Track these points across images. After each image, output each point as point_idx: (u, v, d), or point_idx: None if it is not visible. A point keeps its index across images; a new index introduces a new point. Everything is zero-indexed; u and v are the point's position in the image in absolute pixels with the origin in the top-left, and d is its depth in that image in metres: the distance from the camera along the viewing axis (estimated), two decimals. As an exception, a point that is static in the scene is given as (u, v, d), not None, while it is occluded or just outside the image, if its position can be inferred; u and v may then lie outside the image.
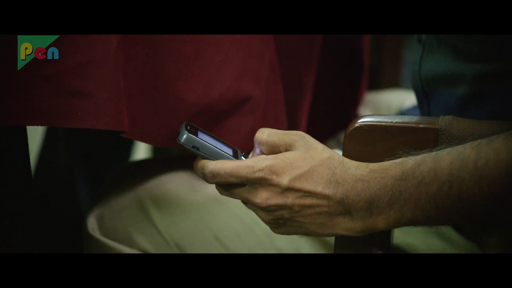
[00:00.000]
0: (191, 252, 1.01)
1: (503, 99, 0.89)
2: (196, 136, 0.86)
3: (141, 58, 0.91)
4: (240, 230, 1.01)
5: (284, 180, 0.83)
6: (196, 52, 0.95)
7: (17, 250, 0.98)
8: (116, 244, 1.04)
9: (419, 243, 0.94)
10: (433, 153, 0.81)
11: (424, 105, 1.00)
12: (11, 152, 0.95)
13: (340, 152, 0.87)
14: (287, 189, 0.83)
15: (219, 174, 0.84)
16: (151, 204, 1.05)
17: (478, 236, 0.91)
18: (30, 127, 0.88)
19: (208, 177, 0.85)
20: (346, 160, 0.84)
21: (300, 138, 0.85)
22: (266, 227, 0.89)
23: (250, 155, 0.88)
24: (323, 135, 1.31)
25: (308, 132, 0.88)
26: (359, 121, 0.87)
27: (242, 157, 0.88)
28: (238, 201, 0.88)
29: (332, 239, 0.92)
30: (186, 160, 1.03)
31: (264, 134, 0.86)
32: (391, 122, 0.86)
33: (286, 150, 0.85)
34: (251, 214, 0.97)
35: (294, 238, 0.97)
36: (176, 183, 1.06)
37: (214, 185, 0.88)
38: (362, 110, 1.40)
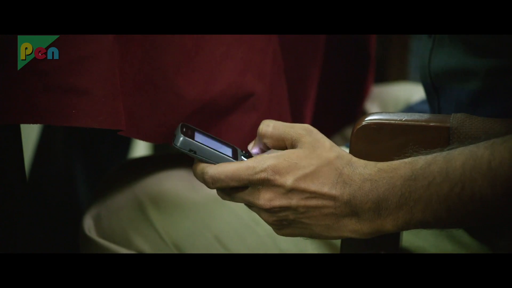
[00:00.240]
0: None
1: (518, 96, 0.88)
2: (193, 138, 0.85)
3: (139, 53, 0.90)
4: (242, 231, 1.00)
5: (288, 181, 0.82)
6: (196, 46, 0.94)
7: (15, 250, 0.98)
8: (113, 245, 1.04)
9: (429, 245, 0.93)
10: (445, 153, 0.80)
11: (434, 100, 0.99)
12: (4, 150, 0.95)
13: (346, 150, 0.86)
14: (292, 190, 0.82)
15: (220, 178, 0.83)
16: (150, 203, 1.04)
17: (490, 239, 0.91)
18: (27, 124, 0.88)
19: (209, 183, 0.84)
20: (354, 159, 0.83)
21: (307, 133, 0.84)
22: (269, 228, 0.88)
23: (250, 146, 0.87)
24: (328, 131, 1.31)
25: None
26: (366, 119, 0.86)
27: (242, 156, 0.87)
28: (240, 201, 0.88)
29: (338, 241, 0.92)
30: (186, 157, 1.02)
31: (269, 127, 0.85)
32: (400, 120, 0.85)
33: (292, 145, 0.84)
34: (253, 214, 0.96)
35: (299, 239, 0.96)
36: (175, 181, 1.05)
37: (214, 186, 0.87)
38: (368, 105, 1.40)
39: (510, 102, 0.88)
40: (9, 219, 0.97)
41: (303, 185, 0.81)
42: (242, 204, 0.87)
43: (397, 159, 0.82)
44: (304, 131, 0.84)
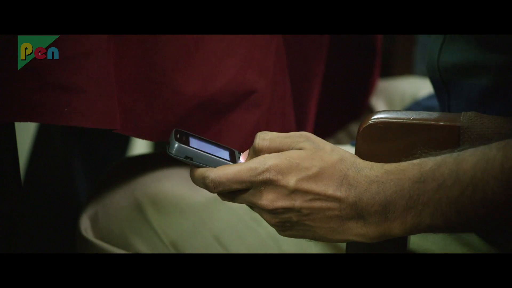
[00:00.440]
0: (191, 255, 1.01)
1: (533, 93, 0.87)
2: (188, 144, 0.84)
3: (136, 49, 0.90)
4: (243, 231, 0.99)
5: (291, 181, 0.80)
6: (196, 41, 0.93)
7: (11, 250, 0.98)
8: (111, 247, 1.03)
9: (438, 248, 0.92)
10: (455, 154, 0.78)
11: (444, 96, 0.98)
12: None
13: (351, 149, 0.85)
14: (295, 191, 0.81)
15: (222, 182, 0.82)
16: (148, 203, 1.03)
17: (501, 241, 0.90)
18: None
19: (211, 187, 0.83)
20: (359, 160, 0.81)
21: (305, 139, 0.83)
22: (271, 228, 0.89)
23: (242, 157, 0.86)
24: (333, 127, 1.31)
25: (317, 124, 0.86)
26: (373, 117, 0.84)
27: (241, 158, 0.86)
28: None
29: (343, 244, 0.91)
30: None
31: (266, 141, 0.84)
32: (408, 118, 0.83)
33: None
34: (255, 214, 0.95)
35: (302, 240, 0.96)
36: (174, 181, 1.05)
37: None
38: (374, 100, 1.40)
39: (524, 100, 0.88)
40: (5, 218, 0.97)
41: (306, 186, 0.80)
42: (243, 204, 0.86)
43: (405, 160, 0.80)
44: (301, 137, 0.83)
